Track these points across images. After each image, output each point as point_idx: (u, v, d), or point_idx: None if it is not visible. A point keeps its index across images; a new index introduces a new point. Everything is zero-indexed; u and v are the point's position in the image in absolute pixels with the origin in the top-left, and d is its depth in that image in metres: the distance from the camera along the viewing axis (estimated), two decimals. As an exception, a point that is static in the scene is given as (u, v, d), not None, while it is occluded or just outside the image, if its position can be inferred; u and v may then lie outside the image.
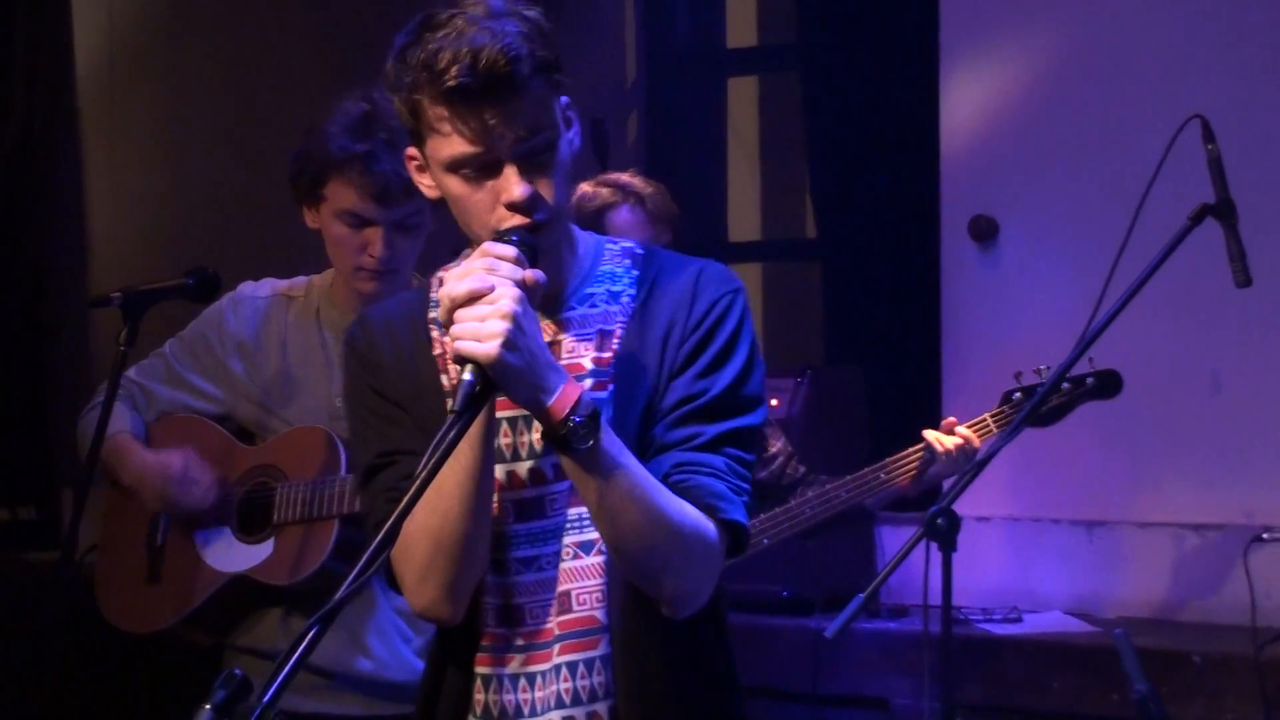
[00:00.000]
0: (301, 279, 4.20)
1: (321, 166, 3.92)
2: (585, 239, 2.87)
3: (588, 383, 2.73)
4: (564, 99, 2.72)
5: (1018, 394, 4.63)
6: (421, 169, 2.76)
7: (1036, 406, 4.33)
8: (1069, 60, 6.16)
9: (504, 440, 2.76)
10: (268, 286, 4.19)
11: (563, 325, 2.79)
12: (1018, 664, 5.53)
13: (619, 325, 2.79)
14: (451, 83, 2.58)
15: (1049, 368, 4.46)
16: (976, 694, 5.48)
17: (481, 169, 2.65)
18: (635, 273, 2.84)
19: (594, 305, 2.81)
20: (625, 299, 2.81)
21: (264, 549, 4.02)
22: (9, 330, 6.95)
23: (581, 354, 2.77)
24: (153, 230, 7.29)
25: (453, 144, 2.64)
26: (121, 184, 7.35)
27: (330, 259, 4.06)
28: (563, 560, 2.75)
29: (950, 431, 4.66)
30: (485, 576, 2.76)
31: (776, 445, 4.70)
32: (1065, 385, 4.57)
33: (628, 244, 2.90)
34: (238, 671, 2.24)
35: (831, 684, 5.66)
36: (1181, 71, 5.90)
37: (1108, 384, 4.65)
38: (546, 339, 2.73)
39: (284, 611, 4.04)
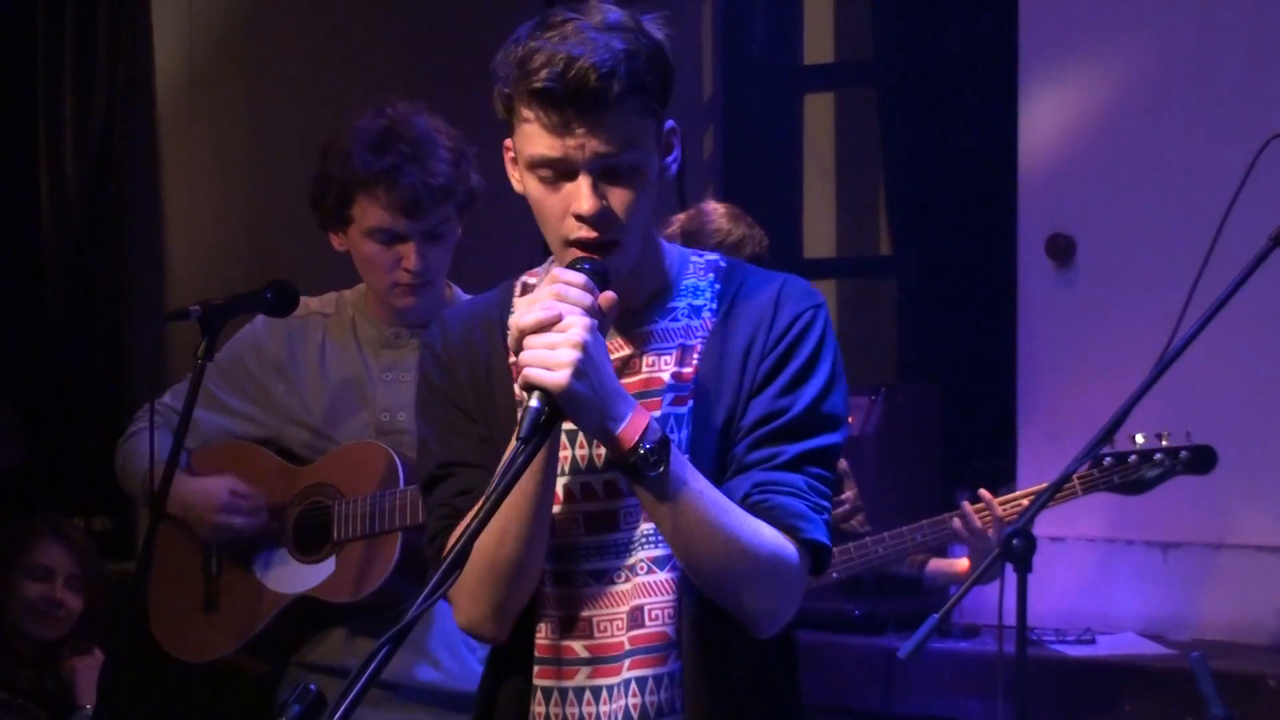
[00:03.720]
0: (331, 295, 4.17)
1: (345, 186, 3.91)
2: (670, 251, 2.86)
3: (667, 397, 2.72)
4: (669, 123, 2.72)
5: (1109, 458, 4.57)
6: (514, 161, 2.76)
7: (1121, 470, 4.45)
8: (1148, 78, 6.12)
9: (579, 452, 2.76)
10: (300, 305, 4.17)
11: (644, 339, 2.78)
12: (1091, 686, 5.49)
13: (699, 340, 2.77)
14: (538, 85, 2.60)
15: (1145, 436, 4.46)
16: (1048, 715, 5.44)
17: (560, 174, 2.65)
18: (717, 286, 2.82)
19: (675, 319, 2.79)
20: (706, 313, 2.79)
21: (325, 568, 4.00)
22: (87, 342, 7.00)
23: (661, 369, 2.75)
24: (230, 243, 7.33)
25: (535, 144, 2.65)
26: (199, 197, 7.39)
27: (364, 279, 4.05)
28: (636, 574, 2.73)
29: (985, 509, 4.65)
30: (547, 589, 2.75)
31: (848, 494, 4.68)
32: (1158, 456, 4.54)
33: (712, 257, 2.89)
34: (312, 686, 2.24)
35: (903, 704, 5.63)
36: (1262, 90, 5.85)
37: (1202, 460, 4.59)
38: (626, 353, 2.75)
39: (349, 629, 4.01)
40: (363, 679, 2.23)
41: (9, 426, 6.70)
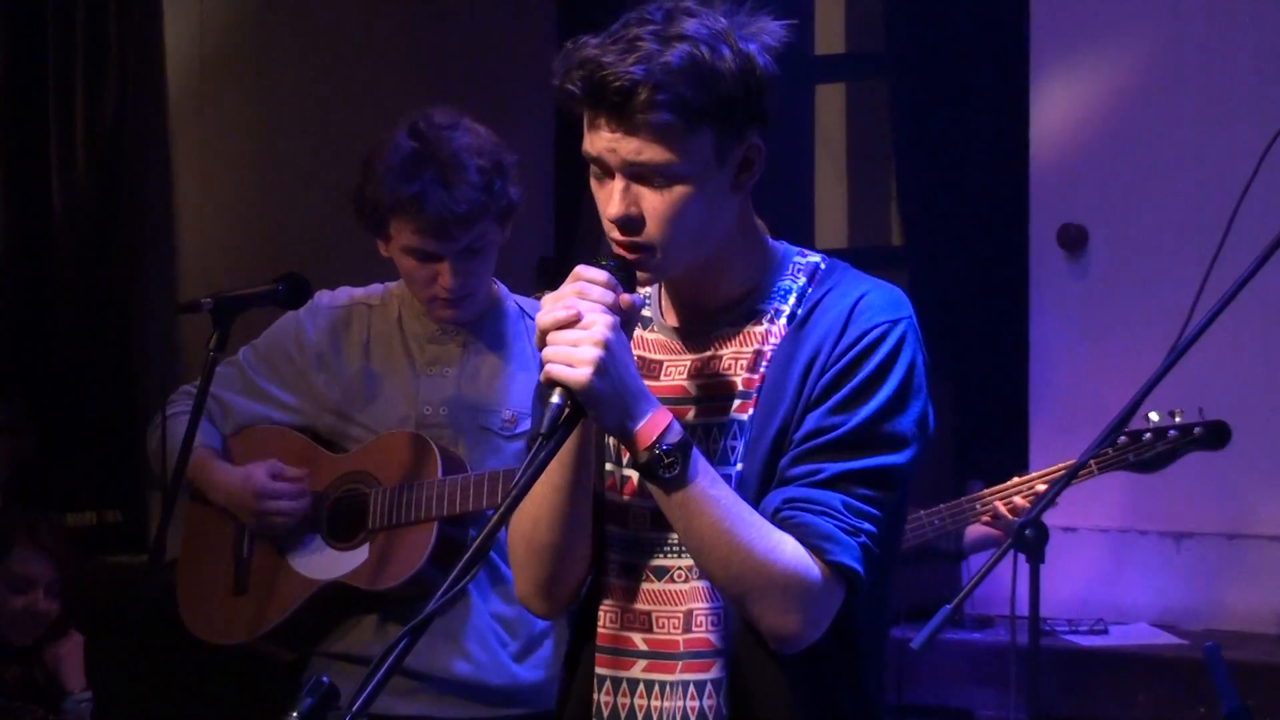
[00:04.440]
0: (378, 286, 4.18)
1: (377, 208, 3.92)
2: (774, 251, 2.81)
3: (734, 403, 2.70)
4: (753, 139, 2.65)
5: (1123, 437, 4.56)
6: None
7: (1135, 449, 4.38)
8: (1159, 67, 6.12)
9: None
10: (345, 295, 4.17)
11: (725, 342, 2.75)
12: (1103, 676, 5.50)
13: (772, 346, 2.72)
14: (569, 86, 2.59)
15: (1159, 414, 4.44)
16: (1061, 706, 5.44)
17: (604, 171, 2.64)
18: (808, 290, 2.75)
19: (760, 323, 2.74)
20: (785, 319, 2.74)
21: (358, 555, 3.99)
22: (99, 335, 7.00)
23: (737, 373, 2.72)
24: (242, 235, 7.34)
25: (584, 139, 2.64)
26: (211, 189, 7.40)
27: (407, 288, 4.07)
28: (693, 577, 2.71)
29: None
30: (613, 579, 2.76)
31: None
32: (1172, 433, 4.52)
33: (814, 258, 2.81)
34: (324, 679, 2.23)
35: (916, 694, 5.64)
36: (1273, 78, 5.85)
37: (1216, 435, 4.57)
38: (707, 355, 2.74)
39: (379, 617, 4.00)
40: (381, 671, 2.23)
41: (19, 419, 6.70)
